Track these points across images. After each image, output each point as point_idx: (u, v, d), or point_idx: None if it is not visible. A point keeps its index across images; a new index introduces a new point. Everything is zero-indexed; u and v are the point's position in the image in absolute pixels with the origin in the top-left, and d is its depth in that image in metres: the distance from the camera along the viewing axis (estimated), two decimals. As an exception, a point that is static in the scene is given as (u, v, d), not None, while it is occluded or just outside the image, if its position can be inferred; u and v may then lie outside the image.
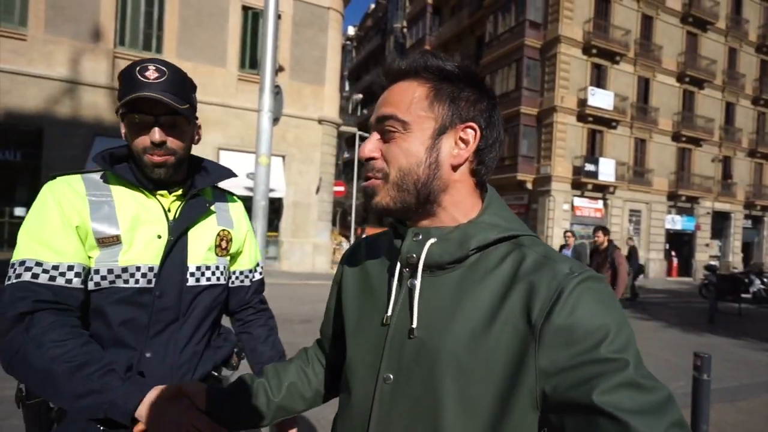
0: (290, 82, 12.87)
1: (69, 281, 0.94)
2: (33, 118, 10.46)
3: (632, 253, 10.90)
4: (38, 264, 0.93)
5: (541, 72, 18.05)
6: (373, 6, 38.40)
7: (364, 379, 0.68)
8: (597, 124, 18.12)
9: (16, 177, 11.59)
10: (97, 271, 0.98)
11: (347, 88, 39.89)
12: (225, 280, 1.19)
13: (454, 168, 0.66)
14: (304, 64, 13.38)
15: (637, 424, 0.49)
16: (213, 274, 1.13)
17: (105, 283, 0.98)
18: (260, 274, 1.34)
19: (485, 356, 0.58)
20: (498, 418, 0.57)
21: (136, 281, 1.00)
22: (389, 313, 0.67)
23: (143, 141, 1.01)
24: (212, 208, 1.16)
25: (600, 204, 18.38)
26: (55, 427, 0.99)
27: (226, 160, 12.15)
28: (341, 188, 17.59)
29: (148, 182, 1.05)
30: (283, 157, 13.01)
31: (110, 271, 0.98)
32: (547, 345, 0.56)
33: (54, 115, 10.62)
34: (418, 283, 0.64)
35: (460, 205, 0.67)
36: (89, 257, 0.99)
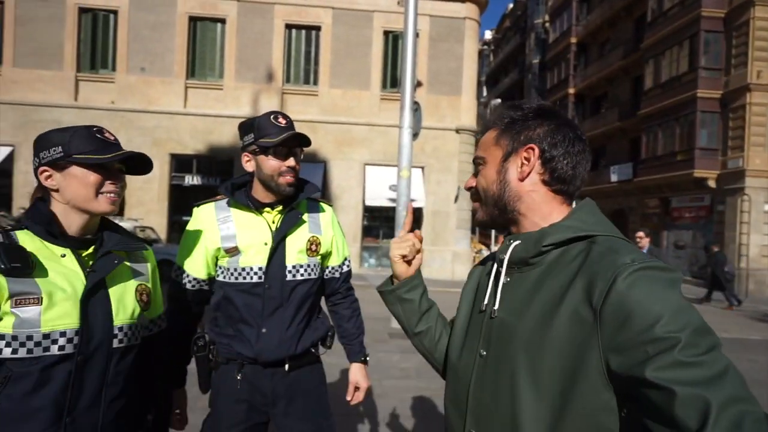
0: (427, 96, 13.35)
1: (193, 286, 1.47)
2: (227, 151, 13.11)
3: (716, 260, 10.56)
4: (180, 269, 1.47)
5: (726, 46, 14.87)
6: (511, 6, 37.08)
7: (467, 355, 0.85)
8: (815, 99, 14.05)
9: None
10: (227, 270, 1.45)
11: (485, 93, 39.18)
12: (316, 275, 1.54)
13: (522, 179, 0.81)
14: (441, 76, 13.73)
15: (686, 395, 0.53)
16: (305, 271, 1.50)
17: (232, 279, 1.44)
18: (347, 267, 1.69)
19: (552, 335, 0.68)
20: (566, 391, 0.66)
21: (251, 278, 1.43)
22: (485, 301, 0.84)
23: (280, 167, 1.39)
24: (304, 218, 1.52)
25: (824, 203, 14.11)
26: (213, 373, 1.47)
27: (371, 174, 13.24)
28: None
29: (258, 204, 1.46)
30: (422, 168, 13.52)
31: (236, 270, 1.44)
32: (607, 326, 0.63)
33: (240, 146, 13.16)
34: (502, 276, 0.81)
35: (537, 210, 0.81)
36: (220, 260, 1.46)
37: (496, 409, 0.75)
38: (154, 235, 11.50)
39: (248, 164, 1.46)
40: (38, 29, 12.63)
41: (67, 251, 0.99)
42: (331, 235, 1.60)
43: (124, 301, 1.05)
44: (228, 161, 13.37)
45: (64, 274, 0.96)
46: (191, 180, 13.57)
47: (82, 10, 12.91)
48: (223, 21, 13.25)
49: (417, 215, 13.47)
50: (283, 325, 1.44)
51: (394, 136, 12.32)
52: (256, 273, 1.43)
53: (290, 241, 1.47)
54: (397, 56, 12.95)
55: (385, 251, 13.49)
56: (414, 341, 1.04)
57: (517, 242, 0.80)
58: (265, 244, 1.44)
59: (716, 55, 15.02)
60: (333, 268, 1.64)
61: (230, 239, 1.44)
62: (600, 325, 0.64)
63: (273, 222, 1.47)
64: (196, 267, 1.47)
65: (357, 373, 1.62)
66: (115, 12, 12.98)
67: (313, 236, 1.53)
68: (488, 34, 42.70)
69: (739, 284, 13.72)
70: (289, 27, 13.46)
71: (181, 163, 13.50)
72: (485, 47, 41.00)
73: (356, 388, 1.61)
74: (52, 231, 0.97)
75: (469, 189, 0.92)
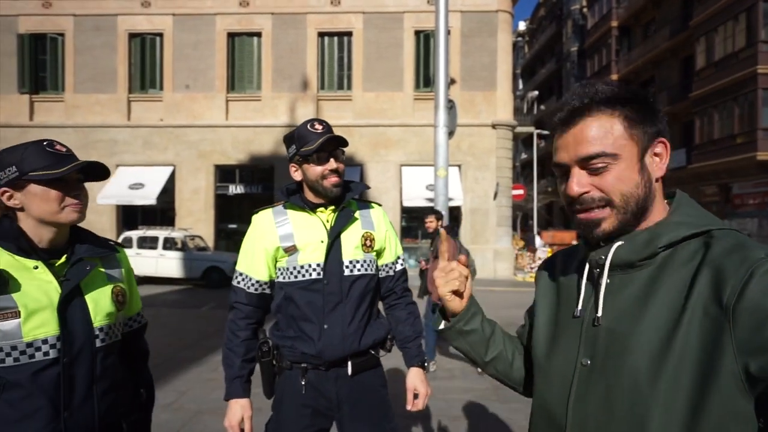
0: (461, 92, 13.18)
1: (256, 289, 1.51)
2: (267, 159, 13.55)
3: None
4: (241, 274, 1.52)
5: (788, 16, 13.67)
6: (544, -6, 35.90)
7: (562, 366, 0.76)
8: None
9: (258, 204, 15.18)
10: (287, 269, 1.48)
11: (520, 86, 38.12)
12: (373, 270, 1.55)
13: (658, 180, 0.73)
14: (475, 72, 13.52)
15: None
16: (362, 266, 1.52)
17: (291, 278, 1.47)
18: (401, 265, 1.68)
19: (679, 342, 0.62)
20: (699, 402, 0.60)
21: (310, 274, 1.46)
22: (579, 306, 0.76)
23: (323, 170, 1.43)
24: (356, 215, 1.54)
25: None
26: (277, 378, 1.50)
27: (407, 175, 13.23)
28: (520, 191, 16.88)
29: (311, 204, 1.51)
30: (459, 166, 13.35)
31: (294, 268, 1.47)
32: (742, 325, 0.57)
33: (280, 154, 13.56)
34: (604, 278, 0.72)
35: (655, 209, 0.73)
36: (279, 261, 1.49)
37: (609, 424, 0.68)
38: (203, 243, 12.08)
39: (296, 174, 1.51)
40: (94, 56, 13.67)
41: (39, 263, 1.02)
42: (384, 231, 1.62)
43: (100, 304, 1.10)
44: (268, 169, 13.82)
45: (38, 285, 1.01)
46: (234, 189, 14.14)
47: (132, 36, 13.82)
48: (259, 35, 13.73)
49: (455, 214, 13.32)
50: (344, 321, 1.46)
51: (429, 136, 12.26)
52: (314, 269, 1.46)
53: (345, 237, 1.51)
54: (429, 55, 12.88)
55: (423, 251, 13.46)
56: (488, 370, 0.98)
57: (620, 243, 0.71)
58: (322, 241, 1.47)
59: (777, 26, 13.83)
60: (387, 265, 1.65)
61: (288, 238, 1.48)
62: (734, 325, 0.58)
63: (327, 221, 1.51)
64: (258, 270, 1.51)
65: (415, 378, 1.56)
66: (161, 35, 13.78)
67: (366, 232, 1.55)
68: (522, 25, 41.53)
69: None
70: (321, 35, 13.74)
71: (224, 173, 14.10)
72: (519, 39, 39.89)
73: (415, 395, 1.55)
74: (22, 246, 1.00)
75: (581, 195, 0.72)
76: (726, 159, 14.80)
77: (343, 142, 1.49)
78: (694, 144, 16.48)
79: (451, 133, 7.11)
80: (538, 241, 17.03)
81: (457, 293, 0.89)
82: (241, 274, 1.53)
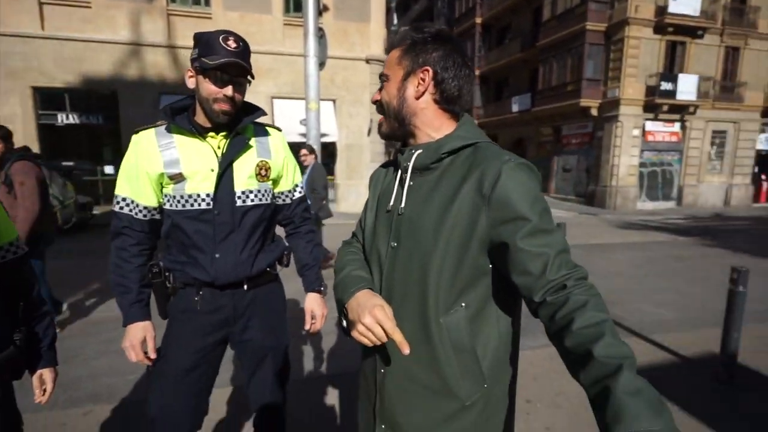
0: (335, 22, 12.62)
1: (145, 215, 1.43)
2: (106, 83, 11.40)
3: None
4: (123, 199, 1.42)
5: (612, -21, 15.92)
6: (418, -77, 35.00)
7: (381, 247, 1.00)
8: (678, 34, 15.93)
9: (101, 139, 12.94)
10: (173, 197, 1.41)
11: (395, 21, 37.91)
12: (268, 200, 1.53)
13: (417, 98, 0.95)
14: (348, 0, 12.96)
15: (536, 252, 0.81)
16: (256, 196, 1.48)
17: (179, 206, 1.40)
18: (300, 193, 1.68)
19: (452, 216, 0.87)
20: (461, 256, 0.88)
21: (199, 204, 1.40)
22: (392, 202, 1.00)
23: (216, 92, 1.32)
24: (251, 143, 1.47)
25: (676, 127, 16.66)
26: (171, 299, 1.49)
27: (279, 108, 12.56)
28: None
29: (201, 128, 1.39)
30: (334, 101, 13.13)
31: (182, 197, 1.40)
32: (492, 208, 0.84)
33: (124, 77, 11.49)
34: (407, 178, 0.97)
35: (431, 125, 0.97)
36: (165, 188, 1.40)
37: (406, 282, 0.93)
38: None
39: (190, 80, 1.36)
40: None
41: None
42: (282, 158, 1.57)
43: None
44: (110, 95, 11.67)
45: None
46: (65, 119, 11.70)
47: None
48: None
49: (331, 149, 13.31)
50: (236, 250, 1.44)
51: (302, 66, 11.67)
52: (204, 200, 1.40)
53: (238, 166, 1.44)
54: (298, -25, 11.85)
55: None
56: None
57: (419, 151, 0.95)
58: (212, 170, 1.39)
59: (604, -13, 16.05)
60: (284, 193, 1.62)
61: (174, 165, 1.37)
62: (488, 208, 0.84)
63: (219, 147, 1.42)
64: (144, 195, 1.41)
65: (313, 301, 1.65)
66: None
67: (262, 161, 1.49)
68: (397, -45, 40.33)
69: (609, 199, 16.09)
70: (167, -68, 11.45)
71: (49, 98, 11.46)
72: (394, -30, 38.89)
73: (313, 317, 1.64)
74: None
75: (374, 102, 1.03)
76: (558, 104, 17.36)
77: (249, 74, 1.37)
78: (538, 89, 18.84)
79: (321, 64, 6.87)
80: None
81: None
82: (124, 200, 1.41)
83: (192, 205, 1.39)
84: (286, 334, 1.64)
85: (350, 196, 13.73)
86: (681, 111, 16.27)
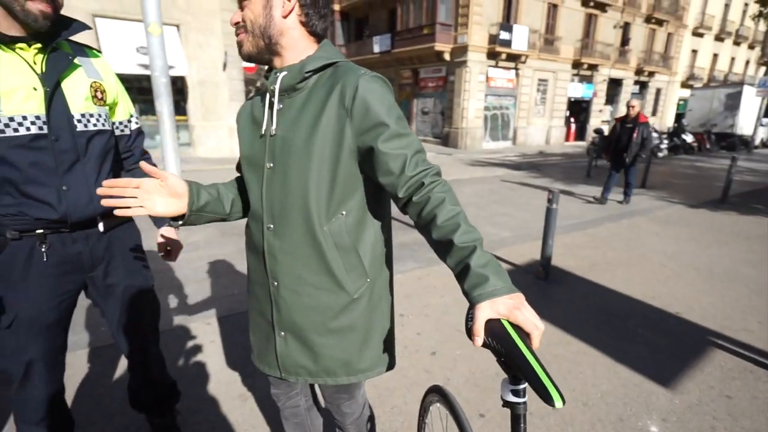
0: (170, -73, 10.59)
1: None
2: None
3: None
4: None
5: (461, -77, 16.52)
6: None
7: (257, 172, 1.05)
8: (514, -13, 17.70)
9: None
10: None
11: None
12: (110, 126, 1.40)
13: (285, 17, 0.98)
14: None
15: (396, 154, 0.92)
16: (98, 120, 1.33)
17: None
18: (136, 124, 1.56)
19: (321, 134, 0.94)
20: (335, 167, 0.96)
21: (27, 129, 1.16)
22: (264, 127, 1.03)
23: None
24: (76, 61, 1.30)
25: (512, 74, 19.04)
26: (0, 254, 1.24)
27: (104, 30, 10.36)
28: (251, 64, 16.06)
29: (7, 38, 1.13)
30: (177, 26, 11.38)
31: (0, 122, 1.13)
32: (354, 118, 0.93)
33: None
34: (276, 101, 1.00)
35: (296, 47, 1.01)
36: None
37: (286, 198, 0.99)
38: None
39: None
40: None
41: None
42: (113, 82, 1.41)
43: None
44: None
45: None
46: None
47: None
48: None
49: (180, 86, 11.73)
50: (88, 180, 1.28)
51: (131, -20, 9.67)
52: (33, 123, 1.17)
53: (68, 85, 1.24)
54: None
55: (147, 130, 11.66)
56: (233, 218, 1.19)
57: (284, 73, 0.99)
58: (35, 89, 1.17)
59: (454, -68, 16.60)
60: (122, 123, 1.48)
61: None
62: (351, 119, 0.93)
63: (35, 63, 1.18)
64: None
65: (169, 234, 1.54)
66: None
67: (95, 82, 1.32)
68: None
69: (461, 140, 17.97)
70: None
71: None
72: None
73: (168, 249, 1.53)
74: None
75: (235, 24, 1.01)
76: (416, 47, 18.08)
77: None
78: (397, 31, 19.20)
79: (162, -20, 5.81)
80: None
81: (153, 202, 1.02)
82: None
83: (16, 129, 1.15)
84: (150, 272, 1.60)
85: (209, 139, 12.53)
86: (515, 59, 18.55)
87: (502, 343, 0.71)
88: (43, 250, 1.26)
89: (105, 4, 10.31)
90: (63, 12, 1.25)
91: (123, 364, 2.36)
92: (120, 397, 2.08)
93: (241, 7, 1.00)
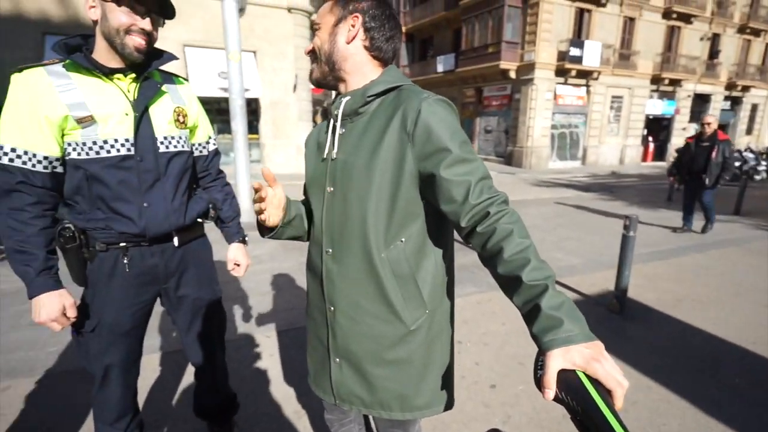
0: (252, -37, 11.53)
1: (46, 167, 1.22)
2: (-29, 19, 9.45)
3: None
4: (13, 150, 1.18)
5: (531, -58, 16.30)
6: None
7: (318, 195, 1.06)
8: (585, 1, 17.03)
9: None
10: (83, 145, 1.25)
11: (317, -32, 35.57)
12: (189, 148, 1.49)
13: (349, 42, 1.00)
14: (266, -60, 11.85)
15: (459, 181, 0.88)
16: (178, 142, 1.43)
17: (92, 154, 1.25)
18: (214, 145, 1.65)
19: (381, 158, 0.93)
20: (395, 193, 0.94)
21: (118, 150, 1.28)
22: (326, 151, 1.05)
23: (130, 24, 1.21)
24: (163, 88, 1.41)
25: (582, 91, 18.16)
26: (89, 264, 1.36)
27: (192, 58, 11.44)
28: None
29: (106, 69, 1.25)
30: (254, 52, 12.25)
31: (95, 143, 1.25)
32: (416, 143, 0.91)
33: (-7, 13, 9.59)
34: (338, 125, 1.02)
35: (360, 71, 1.02)
36: (69, 135, 1.23)
37: (345, 222, 0.99)
38: None
39: (91, 11, 1.19)
40: None
41: None
42: (196, 107, 1.53)
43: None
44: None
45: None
46: None
47: None
48: None
49: (254, 107, 12.56)
50: (167, 198, 1.38)
51: (214, 11, 10.61)
52: (123, 145, 1.29)
53: (155, 111, 1.36)
54: None
55: (222, 147, 12.54)
56: (305, 240, 1.22)
57: (348, 98, 1.01)
58: (126, 114, 1.29)
59: (523, -50, 16.40)
60: (201, 145, 1.58)
61: (80, 107, 1.22)
62: (413, 143, 0.91)
63: (129, 91, 1.31)
64: (43, 143, 1.20)
65: (237, 251, 1.67)
66: None
67: (178, 107, 1.44)
68: None
69: (525, 159, 17.36)
70: None
71: None
72: None
73: (237, 265, 1.67)
74: None
75: (308, 54, 1.06)
76: (480, 66, 17.91)
77: (171, 12, 1.29)
78: (461, 50, 19.20)
79: (241, 10, 6.33)
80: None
81: (268, 210, 1.06)
82: (14, 150, 1.18)
83: (109, 151, 1.26)
84: (219, 286, 1.66)
85: (278, 156, 13.22)
86: (586, 76, 17.70)
87: (579, 400, 0.62)
88: (125, 261, 1.36)
89: (194, 35, 11.40)
90: (162, 43, 1.39)
91: (191, 370, 2.48)
92: (186, 403, 2.18)
93: (314, 35, 1.05)
